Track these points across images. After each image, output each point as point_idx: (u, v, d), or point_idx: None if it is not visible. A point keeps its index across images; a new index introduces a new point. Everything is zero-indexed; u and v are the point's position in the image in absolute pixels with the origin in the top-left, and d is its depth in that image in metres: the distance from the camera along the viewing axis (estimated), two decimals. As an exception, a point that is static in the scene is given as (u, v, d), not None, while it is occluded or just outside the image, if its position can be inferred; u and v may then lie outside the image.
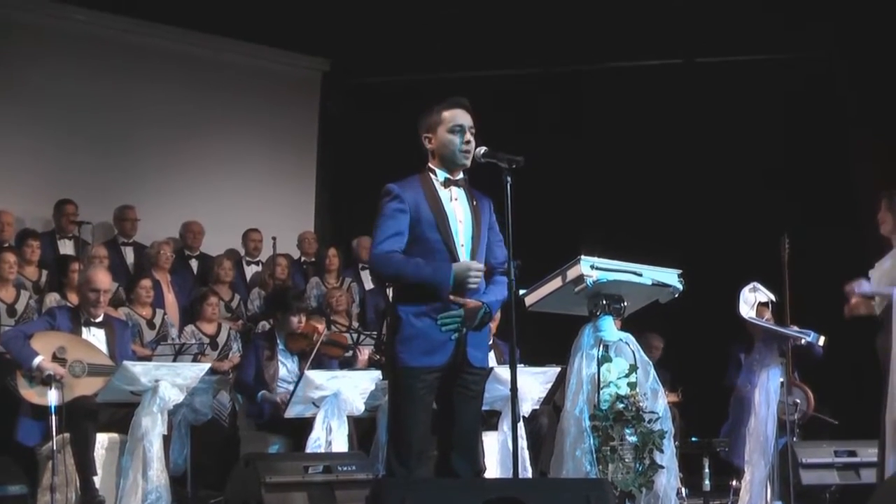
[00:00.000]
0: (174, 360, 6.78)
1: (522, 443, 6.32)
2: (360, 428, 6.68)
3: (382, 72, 10.28)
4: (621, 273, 4.78)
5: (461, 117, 4.26)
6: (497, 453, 6.44)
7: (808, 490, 6.51)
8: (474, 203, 4.30)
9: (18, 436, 5.91)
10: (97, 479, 5.75)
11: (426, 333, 4.11)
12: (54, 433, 5.61)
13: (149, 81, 9.66)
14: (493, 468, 6.33)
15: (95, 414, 5.87)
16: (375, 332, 7.88)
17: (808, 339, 6.44)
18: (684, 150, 9.62)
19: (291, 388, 6.40)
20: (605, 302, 4.81)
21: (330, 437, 6.13)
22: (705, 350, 8.46)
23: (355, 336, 7.62)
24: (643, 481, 4.68)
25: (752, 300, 6.30)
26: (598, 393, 4.71)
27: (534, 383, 6.61)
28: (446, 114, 4.26)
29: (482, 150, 4.23)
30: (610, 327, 4.85)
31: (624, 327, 5.36)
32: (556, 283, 4.79)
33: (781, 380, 6.36)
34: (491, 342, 6.64)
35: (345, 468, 5.75)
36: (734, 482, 6.88)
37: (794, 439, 6.61)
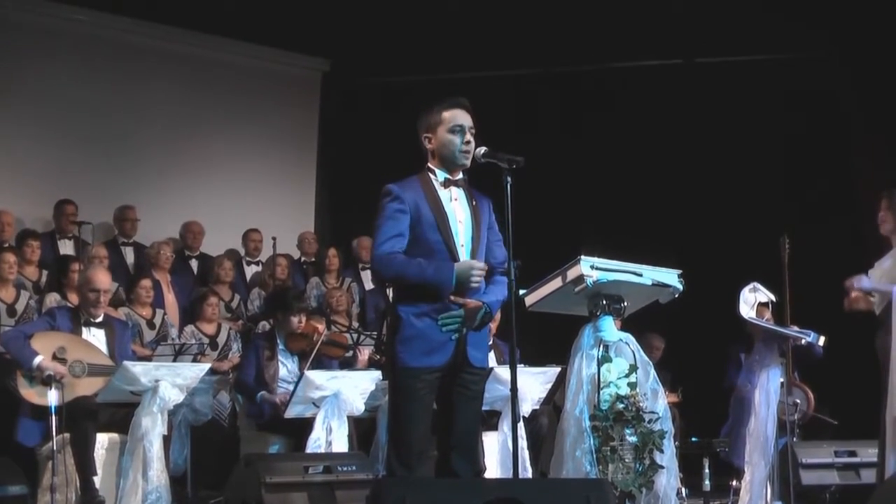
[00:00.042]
0: (174, 361, 6.78)
1: (522, 443, 6.32)
2: (361, 428, 6.68)
3: (382, 72, 10.28)
4: (621, 273, 4.78)
5: (461, 117, 4.25)
6: (497, 453, 6.44)
7: (808, 490, 6.50)
8: (474, 203, 4.30)
9: (18, 436, 5.91)
10: (97, 480, 5.75)
11: (426, 334, 4.11)
12: (54, 433, 5.61)
13: (149, 82, 9.66)
14: (494, 468, 6.33)
15: (95, 414, 5.87)
16: (375, 333, 7.88)
17: (808, 339, 6.44)
18: (684, 150, 9.62)
19: (291, 388, 6.40)
20: (605, 302, 4.81)
21: (330, 437, 6.13)
22: (705, 350, 8.46)
23: (355, 336, 7.62)
24: (643, 481, 4.68)
25: (752, 300, 6.29)
26: (599, 393, 4.71)
27: (534, 383, 6.61)
28: (446, 114, 4.26)
29: (482, 150, 4.23)
30: (610, 327, 4.85)
31: (624, 327, 5.36)
32: (556, 283, 4.79)
33: (781, 380, 6.36)
34: (491, 342, 6.64)
35: (345, 468, 5.75)
36: (734, 482, 6.87)
37: (794, 439, 6.61)
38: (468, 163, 4.26)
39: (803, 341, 6.46)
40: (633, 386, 4.76)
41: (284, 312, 6.87)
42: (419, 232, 4.17)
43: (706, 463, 7.11)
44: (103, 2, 9.30)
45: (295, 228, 9.81)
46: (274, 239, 8.84)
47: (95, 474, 5.75)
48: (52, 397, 5.66)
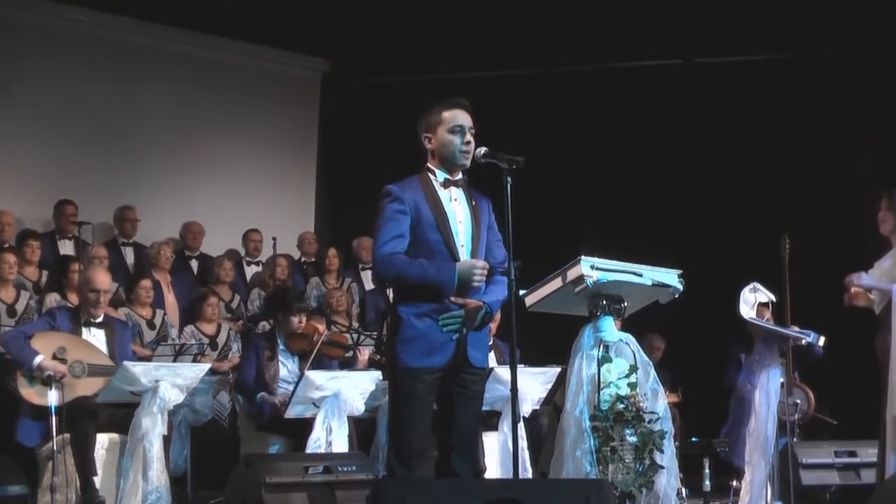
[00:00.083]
0: (174, 361, 6.78)
1: (523, 443, 6.32)
2: (361, 428, 6.68)
3: (382, 72, 10.28)
4: (621, 273, 4.77)
5: (461, 117, 4.26)
6: (497, 454, 6.44)
7: (809, 490, 6.50)
8: (473, 203, 4.31)
9: (18, 436, 5.92)
10: (97, 480, 5.76)
11: (427, 334, 4.12)
12: (54, 433, 5.61)
13: (149, 81, 9.66)
14: (494, 468, 6.34)
15: (95, 414, 5.87)
16: (375, 333, 7.87)
17: (809, 339, 6.44)
18: (684, 150, 9.62)
19: (292, 388, 6.40)
20: (605, 302, 4.81)
21: (330, 437, 6.13)
22: (705, 350, 8.46)
23: (355, 336, 7.62)
24: (643, 482, 4.68)
25: (752, 300, 6.29)
26: (599, 393, 4.71)
27: (534, 384, 6.61)
28: (446, 114, 4.26)
29: (482, 150, 4.24)
30: (610, 328, 4.85)
31: (624, 328, 5.36)
32: (556, 283, 4.79)
33: (782, 380, 6.36)
34: (491, 342, 6.64)
35: (345, 468, 5.75)
36: (734, 482, 6.87)
37: (795, 440, 6.60)
38: (468, 163, 4.27)
39: (803, 341, 6.46)
40: (633, 386, 4.76)
41: (284, 313, 6.87)
42: (419, 232, 4.17)
43: (706, 463, 7.11)
44: (103, 2, 9.30)
45: (295, 228, 9.81)
46: (274, 239, 8.84)
47: (95, 474, 5.75)
48: (53, 397, 5.66)
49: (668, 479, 4.75)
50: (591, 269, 4.68)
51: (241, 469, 5.69)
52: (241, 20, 9.66)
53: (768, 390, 6.20)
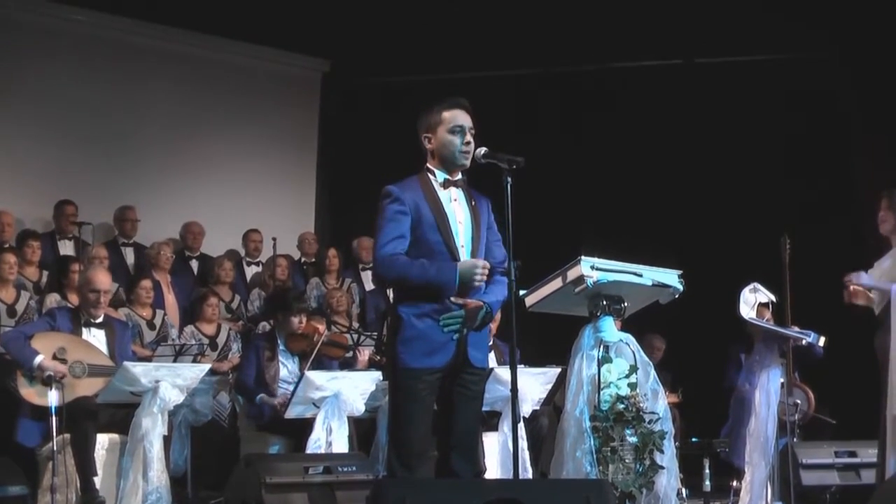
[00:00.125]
0: (174, 361, 6.78)
1: (523, 443, 6.32)
2: (361, 429, 6.68)
3: (382, 72, 10.28)
4: (621, 274, 4.77)
5: (461, 118, 4.26)
6: (497, 454, 6.44)
7: (809, 491, 6.50)
8: (473, 203, 4.31)
9: (19, 436, 5.91)
10: (97, 480, 5.75)
11: (427, 334, 4.11)
12: (54, 434, 5.61)
13: (148, 82, 9.66)
14: (494, 469, 6.33)
15: (95, 414, 5.87)
16: (376, 333, 7.87)
17: (809, 339, 6.44)
18: (684, 150, 9.62)
19: (292, 388, 6.40)
20: (605, 302, 4.81)
21: (330, 437, 6.13)
22: (705, 351, 8.46)
23: (355, 337, 7.62)
24: (643, 482, 4.68)
25: (752, 301, 6.29)
26: (599, 394, 4.71)
27: (534, 384, 6.61)
28: (446, 114, 4.26)
29: (482, 150, 4.24)
30: (610, 328, 4.85)
31: (624, 328, 5.36)
32: (556, 283, 4.79)
33: (782, 380, 6.36)
34: (491, 343, 6.64)
35: (345, 469, 5.75)
36: (734, 483, 6.87)
37: (795, 440, 6.60)
38: (468, 163, 4.27)
39: (804, 342, 6.45)
40: (633, 386, 4.76)
41: (285, 313, 6.87)
42: (419, 233, 4.17)
43: (706, 463, 7.11)
44: (103, 2, 9.30)
45: (295, 229, 9.81)
46: (274, 239, 8.84)
47: (96, 475, 5.75)
48: (53, 398, 5.66)
49: (669, 480, 4.75)
50: (592, 269, 4.68)
51: (241, 469, 5.69)
52: (241, 20, 9.66)
53: (768, 390, 6.20)
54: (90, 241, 8.49)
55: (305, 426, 6.23)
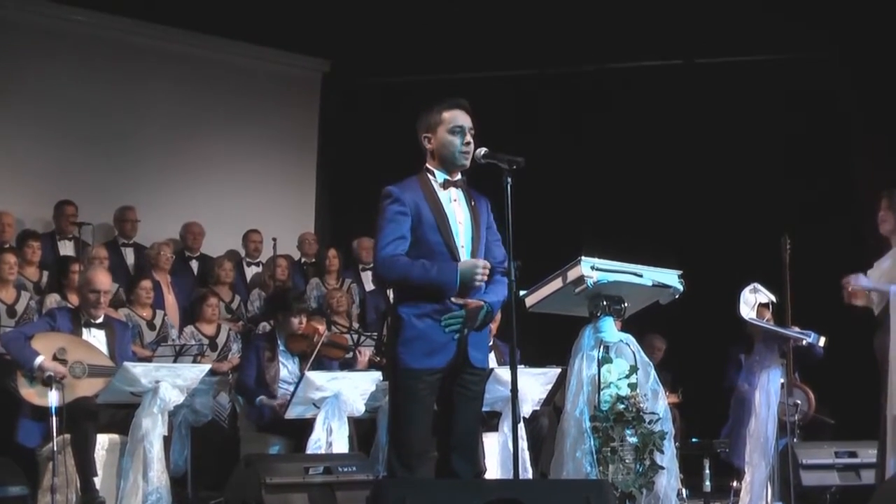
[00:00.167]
0: (174, 362, 6.78)
1: (523, 444, 6.32)
2: (361, 429, 6.68)
3: (382, 72, 10.28)
4: (622, 274, 4.77)
5: (461, 118, 4.26)
6: (497, 454, 6.44)
7: (809, 491, 6.50)
8: (472, 203, 4.31)
9: (19, 437, 5.91)
10: (97, 480, 5.75)
11: (428, 335, 4.12)
12: (55, 434, 5.61)
13: (148, 82, 9.67)
14: (494, 469, 6.34)
15: (96, 415, 5.87)
16: (376, 333, 7.87)
17: (809, 339, 6.43)
18: (684, 150, 9.62)
19: (292, 389, 6.40)
20: (605, 303, 4.81)
21: (330, 438, 6.12)
22: (706, 351, 8.46)
23: (356, 337, 7.62)
24: (643, 482, 4.68)
25: (752, 301, 6.29)
26: (599, 394, 4.71)
27: (534, 384, 6.61)
28: (446, 114, 4.26)
29: (483, 151, 4.24)
30: (610, 328, 4.84)
31: (624, 328, 5.36)
32: (556, 283, 4.78)
33: (782, 381, 6.35)
34: (491, 343, 6.63)
35: (345, 469, 5.75)
36: (735, 483, 6.87)
37: (795, 440, 6.61)
38: (468, 163, 4.27)
39: (804, 342, 6.45)
40: (633, 387, 4.76)
41: (285, 313, 6.87)
42: (420, 234, 4.17)
43: (707, 464, 7.12)
44: (103, 2, 9.30)
45: (295, 229, 9.81)
46: (274, 240, 8.84)
47: (96, 475, 5.75)
48: (53, 398, 5.66)
49: (669, 480, 4.75)
50: (592, 269, 4.68)
51: (241, 470, 5.69)
52: (241, 20, 9.66)
53: (768, 391, 6.20)
54: (90, 241, 8.50)
55: (305, 426, 6.23)
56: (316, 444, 6.10)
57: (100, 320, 6.31)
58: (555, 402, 6.93)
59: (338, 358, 7.26)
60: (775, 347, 6.37)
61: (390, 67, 10.19)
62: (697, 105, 9.62)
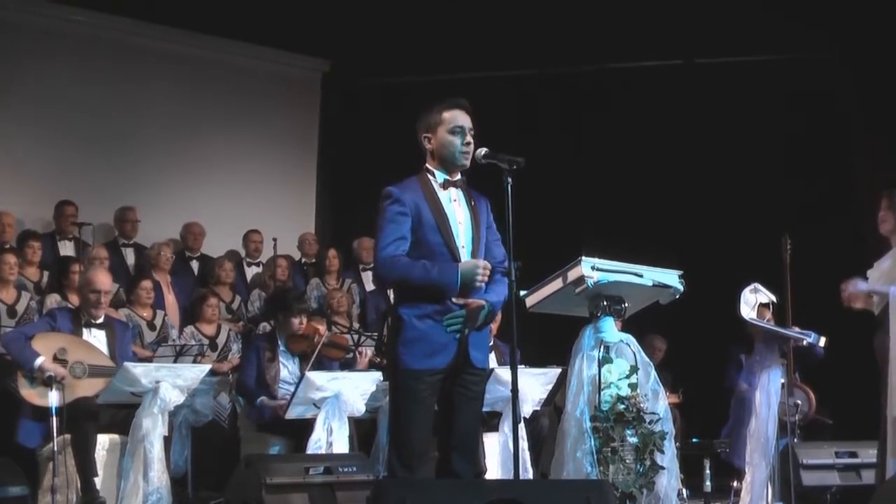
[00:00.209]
0: (175, 362, 6.77)
1: (523, 444, 6.32)
2: (361, 429, 6.68)
3: (382, 72, 10.28)
4: (622, 274, 4.78)
5: (461, 118, 4.26)
6: (498, 454, 6.44)
7: (809, 491, 6.51)
8: (472, 203, 4.31)
9: (19, 437, 5.91)
10: (98, 481, 5.75)
11: (428, 335, 4.12)
12: (55, 434, 5.61)
13: (149, 82, 9.67)
14: (494, 469, 6.33)
15: (96, 415, 5.87)
16: (376, 334, 7.87)
17: (809, 340, 6.44)
18: (684, 150, 9.62)
19: (292, 389, 6.40)
20: (605, 303, 4.81)
21: (331, 438, 6.12)
22: (706, 351, 8.46)
23: (356, 337, 7.62)
24: (644, 482, 4.68)
25: (752, 301, 6.29)
26: (599, 394, 4.71)
27: (535, 384, 6.61)
28: (446, 114, 4.26)
29: (483, 151, 4.24)
30: (611, 328, 4.85)
31: (625, 328, 5.36)
32: (556, 284, 4.79)
33: (782, 381, 6.36)
34: (492, 343, 6.63)
35: (345, 469, 5.75)
36: (735, 483, 6.87)
37: (795, 440, 6.61)
38: (468, 163, 4.27)
39: (804, 342, 6.45)
40: (633, 387, 4.76)
41: (285, 314, 6.86)
42: (420, 234, 4.17)
43: (707, 464, 7.12)
44: (103, 2, 9.30)
45: (295, 229, 9.81)
46: (274, 240, 8.84)
47: (96, 475, 5.75)
48: (53, 398, 5.66)
49: (669, 480, 4.75)
50: (592, 269, 4.68)
51: (241, 470, 5.69)
52: (241, 20, 9.66)
53: (769, 391, 6.20)
54: (90, 241, 8.50)
55: (306, 427, 6.22)
56: (316, 444, 6.10)
57: (100, 320, 6.31)
58: (555, 402, 6.93)
59: (338, 358, 7.26)
60: (776, 347, 6.37)
61: (390, 67, 10.19)
62: (697, 105, 9.62)
